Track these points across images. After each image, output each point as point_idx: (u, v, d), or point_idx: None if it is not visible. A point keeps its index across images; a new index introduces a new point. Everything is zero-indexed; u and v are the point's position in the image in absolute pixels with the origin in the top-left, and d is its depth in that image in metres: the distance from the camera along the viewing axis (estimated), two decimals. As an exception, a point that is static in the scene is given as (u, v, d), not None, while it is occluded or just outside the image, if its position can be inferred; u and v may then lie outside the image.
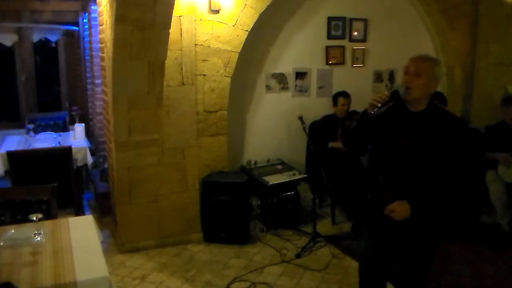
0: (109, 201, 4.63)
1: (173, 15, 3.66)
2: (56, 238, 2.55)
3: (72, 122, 5.80)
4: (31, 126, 5.61)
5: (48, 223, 2.76)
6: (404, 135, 2.36)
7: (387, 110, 2.44)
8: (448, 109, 4.45)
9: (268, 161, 4.96)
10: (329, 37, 5.24)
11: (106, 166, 5.04)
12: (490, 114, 5.02)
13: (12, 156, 4.26)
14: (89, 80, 6.43)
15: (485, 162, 4.46)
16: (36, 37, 7.33)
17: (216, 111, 4.39)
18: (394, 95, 2.32)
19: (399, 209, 2.34)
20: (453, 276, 3.61)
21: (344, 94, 4.89)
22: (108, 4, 3.69)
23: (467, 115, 5.44)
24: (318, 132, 4.84)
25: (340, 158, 4.76)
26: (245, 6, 4.32)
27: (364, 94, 5.27)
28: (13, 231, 2.56)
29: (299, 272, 3.78)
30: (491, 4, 5.21)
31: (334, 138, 4.85)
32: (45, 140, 5.23)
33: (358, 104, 4.93)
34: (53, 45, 7.72)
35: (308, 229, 4.46)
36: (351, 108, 4.92)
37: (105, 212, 4.82)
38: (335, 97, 4.93)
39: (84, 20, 6.55)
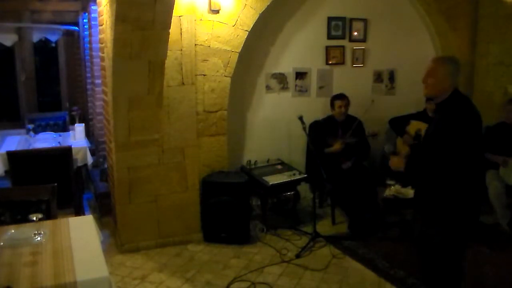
0: (109, 201, 4.63)
1: (173, 15, 3.66)
2: (56, 238, 2.55)
3: (72, 122, 5.81)
4: (31, 126, 5.61)
5: (48, 223, 2.76)
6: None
7: None
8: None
9: (268, 161, 4.96)
10: (329, 37, 5.24)
11: (106, 166, 5.04)
12: (490, 114, 5.00)
13: (12, 156, 4.26)
14: (89, 80, 6.43)
15: (485, 163, 4.47)
16: (36, 37, 7.34)
17: (216, 111, 4.39)
18: None
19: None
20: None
21: (340, 97, 4.81)
22: (108, 4, 3.69)
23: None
24: (318, 132, 4.82)
25: (346, 171, 4.71)
26: (245, 6, 4.32)
27: (364, 94, 5.30)
28: (13, 231, 2.56)
29: (299, 272, 3.78)
30: (491, 4, 5.21)
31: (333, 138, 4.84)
32: (45, 140, 5.23)
33: (358, 104, 4.94)
34: (53, 45, 7.73)
35: (308, 229, 4.46)
36: (350, 109, 4.91)
37: (105, 212, 4.83)
38: (332, 101, 4.86)
39: (84, 20, 6.55)
